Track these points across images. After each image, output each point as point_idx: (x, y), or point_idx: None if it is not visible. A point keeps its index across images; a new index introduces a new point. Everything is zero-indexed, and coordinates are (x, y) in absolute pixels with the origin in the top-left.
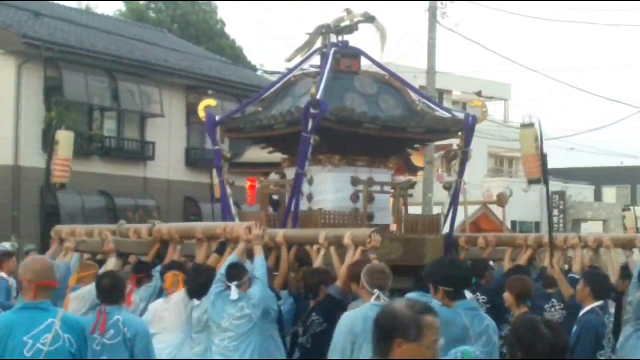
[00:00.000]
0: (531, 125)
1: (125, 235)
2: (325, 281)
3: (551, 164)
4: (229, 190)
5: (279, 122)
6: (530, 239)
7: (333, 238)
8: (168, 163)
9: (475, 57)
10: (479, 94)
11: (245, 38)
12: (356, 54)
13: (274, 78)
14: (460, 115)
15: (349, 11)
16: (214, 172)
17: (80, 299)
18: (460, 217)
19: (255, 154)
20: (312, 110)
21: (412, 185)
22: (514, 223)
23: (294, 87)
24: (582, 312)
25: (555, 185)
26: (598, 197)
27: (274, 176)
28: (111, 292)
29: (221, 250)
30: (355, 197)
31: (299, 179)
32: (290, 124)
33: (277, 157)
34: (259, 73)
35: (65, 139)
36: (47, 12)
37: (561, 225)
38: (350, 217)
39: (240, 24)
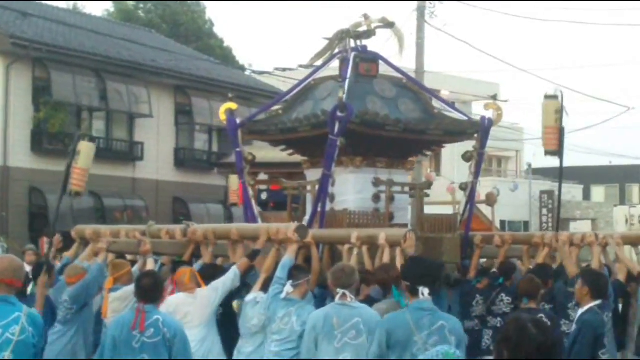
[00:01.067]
0: (555, 97)
1: (156, 236)
2: (367, 281)
3: (540, 164)
4: (250, 192)
5: (303, 125)
6: (547, 237)
7: (366, 238)
8: (156, 163)
9: (463, 56)
10: (494, 97)
11: (234, 38)
12: (375, 58)
13: (262, 78)
14: (476, 118)
15: (366, 16)
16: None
17: (122, 299)
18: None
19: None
20: (338, 114)
21: (430, 185)
22: (502, 222)
23: (314, 90)
24: (580, 312)
25: (544, 185)
26: (587, 196)
27: (262, 176)
28: (151, 291)
29: (252, 257)
30: (376, 198)
31: (326, 180)
32: (315, 127)
33: (265, 157)
34: (248, 73)
35: (86, 149)
36: (35, 12)
37: (550, 224)
38: (373, 217)
39: (229, 23)
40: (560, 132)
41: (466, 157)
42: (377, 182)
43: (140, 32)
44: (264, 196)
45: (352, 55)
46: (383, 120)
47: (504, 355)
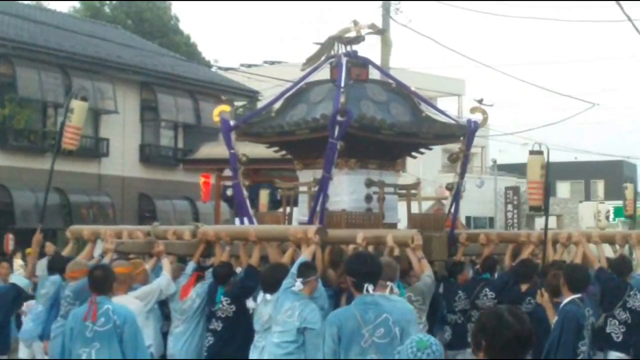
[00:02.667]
0: (540, 152)
1: (161, 237)
2: None
3: (505, 159)
4: (245, 192)
5: (302, 128)
6: (533, 236)
7: (372, 238)
8: (122, 159)
9: (429, 53)
10: (480, 101)
11: (199, 34)
12: (365, 62)
13: (228, 74)
14: (463, 121)
15: (355, 22)
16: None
17: (141, 298)
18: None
19: (209, 150)
20: (339, 118)
21: (418, 186)
22: (468, 218)
23: (307, 93)
24: (562, 303)
25: (509, 181)
26: (552, 192)
27: (228, 172)
28: (102, 283)
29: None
30: (368, 198)
31: (326, 182)
32: (314, 130)
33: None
34: (213, 69)
35: (79, 107)
36: (0, 8)
37: (515, 220)
38: (366, 217)
39: (194, 19)
40: (546, 187)
41: (452, 158)
42: (369, 183)
43: (105, 28)
44: (229, 192)
45: (344, 60)
46: (379, 124)
47: (482, 344)
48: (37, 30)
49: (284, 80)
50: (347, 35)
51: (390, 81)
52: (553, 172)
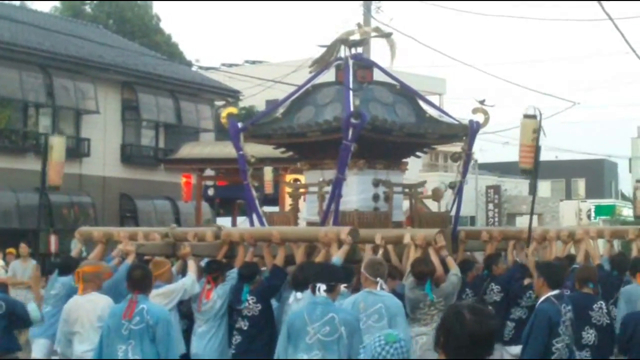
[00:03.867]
0: (533, 116)
1: (181, 238)
2: (392, 275)
3: (486, 158)
4: (254, 193)
5: (313, 130)
6: (536, 233)
7: (393, 238)
8: (103, 159)
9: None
10: (482, 102)
11: (180, 33)
12: (369, 65)
13: (209, 74)
14: (465, 122)
15: (359, 25)
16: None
17: (165, 295)
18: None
19: (190, 150)
20: (352, 120)
21: (423, 184)
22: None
23: (313, 95)
24: (540, 301)
25: (490, 179)
26: (533, 190)
27: (209, 172)
28: (141, 282)
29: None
30: (375, 197)
31: (339, 182)
32: (326, 132)
33: (211, 153)
34: (194, 69)
35: (58, 144)
36: None
37: (496, 219)
38: (377, 216)
39: (175, 19)
40: (536, 150)
41: (454, 157)
42: (376, 183)
43: (87, 28)
44: (210, 192)
45: (351, 63)
46: (391, 126)
47: (440, 341)
48: (18, 30)
49: (265, 80)
50: (352, 37)
51: (395, 83)
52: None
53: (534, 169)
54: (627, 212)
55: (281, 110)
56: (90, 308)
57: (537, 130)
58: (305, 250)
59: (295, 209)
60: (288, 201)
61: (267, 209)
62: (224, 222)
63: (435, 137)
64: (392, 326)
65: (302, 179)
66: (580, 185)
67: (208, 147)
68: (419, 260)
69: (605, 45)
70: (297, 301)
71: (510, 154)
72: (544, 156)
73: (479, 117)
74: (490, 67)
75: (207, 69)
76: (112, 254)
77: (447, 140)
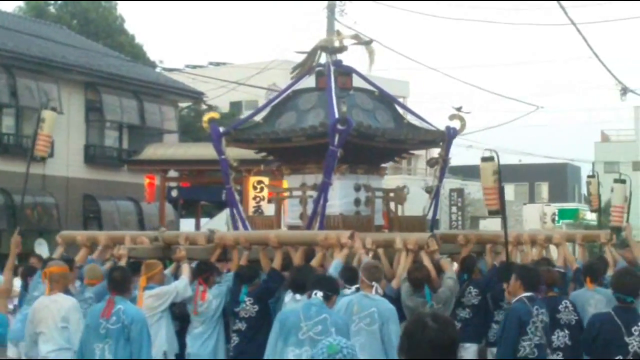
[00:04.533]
0: (491, 158)
1: (172, 242)
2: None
3: (450, 161)
4: (237, 197)
5: (298, 135)
6: (511, 236)
7: (383, 242)
8: (67, 160)
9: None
10: (458, 109)
11: (144, 34)
12: (349, 71)
13: (172, 75)
14: (442, 128)
15: (338, 32)
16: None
17: (158, 297)
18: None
19: (154, 151)
20: (339, 126)
21: (403, 189)
22: None
23: (294, 101)
24: (513, 301)
25: (453, 183)
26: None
27: (172, 173)
28: (121, 283)
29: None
30: (357, 202)
31: (326, 187)
32: (310, 137)
33: (175, 154)
34: (158, 70)
35: (50, 117)
36: None
37: (459, 222)
38: (360, 220)
39: (140, 19)
40: (500, 191)
41: (431, 162)
42: (358, 187)
43: (50, 28)
44: (174, 193)
45: (332, 70)
46: (374, 131)
47: (404, 346)
48: None
49: (229, 81)
50: (331, 44)
51: (373, 89)
52: None
53: (501, 209)
54: (590, 216)
55: (261, 115)
56: (55, 308)
57: (497, 172)
58: (304, 254)
59: (278, 212)
60: (252, 203)
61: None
62: (187, 223)
63: (415, 142)
64: (383, 331)
65: (266, 180)
66: (544, 189)
67: (172, 148)
68: (415, 267)
69: (568, 50)
70: (295, 302)
71: (474, 157)
72: (508, 160)
73: (456, 124)
74: (455, 70)
75: (171, 70)
76: (93, 256)
77: (425, 146)
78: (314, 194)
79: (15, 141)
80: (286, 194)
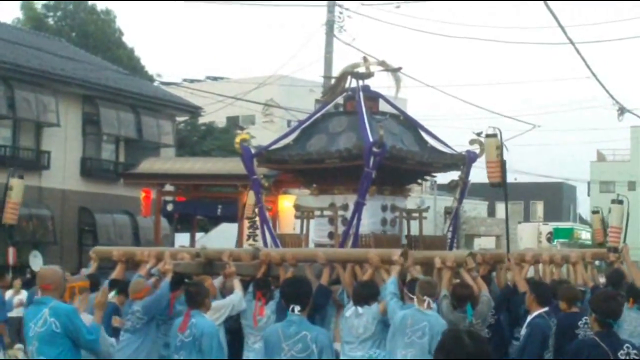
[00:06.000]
0: (494, 135)
1: (215, 258)
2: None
3: (446, 179)
4: (267, 215)
5: (332, 157)
6: (528, 255)
7: (421, 259)
8: (63, 172)
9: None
10: (478, 134)
11: (143, 47)
12: (376, 96)
13: (170, 89)
14: (462, 152)
15: (365, 59)
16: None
17: (215, 310)
18: None
19: (150, 164)
20: (375, 149)
21: (427, 210)
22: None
23: (323, 124)
24: (530, 317)
25: (448, 200)
26: (491, 212)
27: (169, 187)
28: (195, 298)
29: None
30: (383, 222)
31: (360, 207)
32: (344, 160)
33: (171, 168)
34: (156, 83)
35: (17, 185)
36: None
37: (455, 240)
38: (389, 239)
39: (138, 33)
40: (502, 165)
41: (452, 185)
42: (384, 208)
43: (49, 40)
44: (169, 207)
45: (361, 94)
46: (405, 154)
47: None
48: None
49: (226, 96)
50: (358, 70)
51: (398, 114)
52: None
53: (503, 181)
54: (585, 235)
55: (291, 137)
56: None
57: (500, 147)
58: (353, 271)
59: (306, 231)
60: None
61: (226, 225)
62: (183, 238)
63: (439, 166)
64: (432, 344)
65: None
66: (539, 207)
67: (168, 162)
68: (460, 284)
69: (566, 69)
70: (357, 316)
71: (470, 175)
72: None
73: (475, 148)
74: (452, 88)
75: (169, 84)
76: (140, 271)
77: (448, 169)
78: (342, 213)
79: (12, 153)
80: (316, 212)
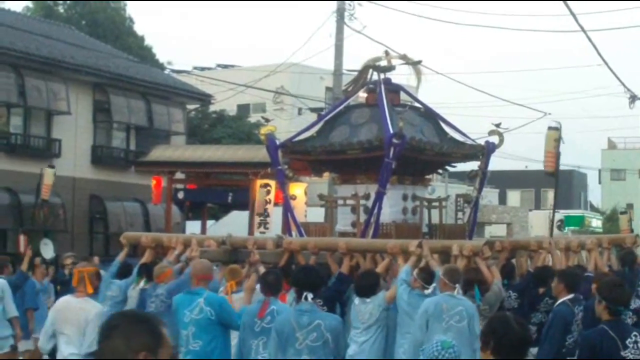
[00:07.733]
0: (556, 128)
1: (239, 246)
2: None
3: (456, 167)
4: (291, 204)
5: (354, 148)
6: (545, 242)
7: (439, 248)
8: (74, 160)
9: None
10: (497, 125)
11: (153, 35)
12: (397, 89)
13: (181, 77)
14: (481, 142)
15: (387, 52)
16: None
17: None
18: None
19: (161, 152)
20: (395, 140)
21: (447, 199)
22: None
23: (345, 116)
24: (556, 304)
25: (459, 188)
26: (502, 200)
27: (179, 175)
28: (273, 286)
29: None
30: (404, 210)
31: (381, 196)
32: (366, 150)
33: (182, 156)
34: (166, 71)
35: (48, 174)
36: None
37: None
38: (409, 228)
39: (149, 21)
40: (557, 156)
41: (471, 175)
42: (405, 197)
43: (59, 28)
44: (180, 195)
45: (382, 87)
46: (424, 145)
47: (490, 345)
48: None
49: (237, 84)
50: (379, 63)
51: (419, 106)
52: (504, 181)
53: (556, 172)
54: (595, 222)
55: (314, 129)
56: (82, 312)
57: (558, 139)
58: (372, 260)
59: (331, 219)
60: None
61: (236, 213)
62: (193, 225)
63: (458, 156)
64: (470, 327)
65: (272, 184)
66: (550, 195)
67: (179, 150)
68: (469, 269)
69: (577, 57)
70: (365, 303)
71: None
72: (515, 166)
73: (494, 139)
74: (464, 76)
75: (179, 72)
76: (168, 258)
77: (468, 159)
78: (364, 202)
79: (22, 141)
80: (339, 202)
